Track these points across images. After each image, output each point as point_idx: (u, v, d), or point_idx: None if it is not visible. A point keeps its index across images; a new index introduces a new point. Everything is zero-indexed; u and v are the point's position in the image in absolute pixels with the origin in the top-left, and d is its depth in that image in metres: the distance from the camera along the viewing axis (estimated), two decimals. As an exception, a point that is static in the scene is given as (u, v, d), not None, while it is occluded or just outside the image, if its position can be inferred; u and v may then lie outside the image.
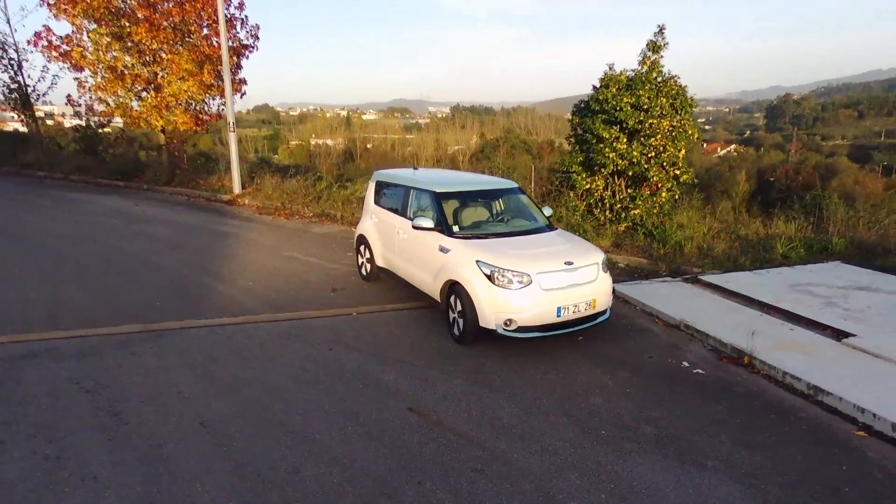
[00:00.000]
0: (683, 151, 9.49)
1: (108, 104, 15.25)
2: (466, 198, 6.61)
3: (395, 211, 7.11)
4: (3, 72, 18.37)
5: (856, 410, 4.25)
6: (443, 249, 5.92)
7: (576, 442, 4.00)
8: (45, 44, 14.64)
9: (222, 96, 15.32)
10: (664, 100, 9.16)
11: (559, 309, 5.32)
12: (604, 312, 5.77)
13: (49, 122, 26.64)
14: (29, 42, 15.06)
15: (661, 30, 9.52)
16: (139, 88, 14.88)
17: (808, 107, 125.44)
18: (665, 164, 9.36)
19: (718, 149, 74.12)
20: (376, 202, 7.67)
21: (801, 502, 3.36)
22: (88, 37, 14.30)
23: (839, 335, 5.57)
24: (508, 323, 5.25)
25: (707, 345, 5.70)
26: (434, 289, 6.07)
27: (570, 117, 11.29)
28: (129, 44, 14.21)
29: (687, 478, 3.58)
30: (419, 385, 4.84)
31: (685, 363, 5.31)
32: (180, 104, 14.93)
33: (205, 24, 14.94)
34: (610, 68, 9.77)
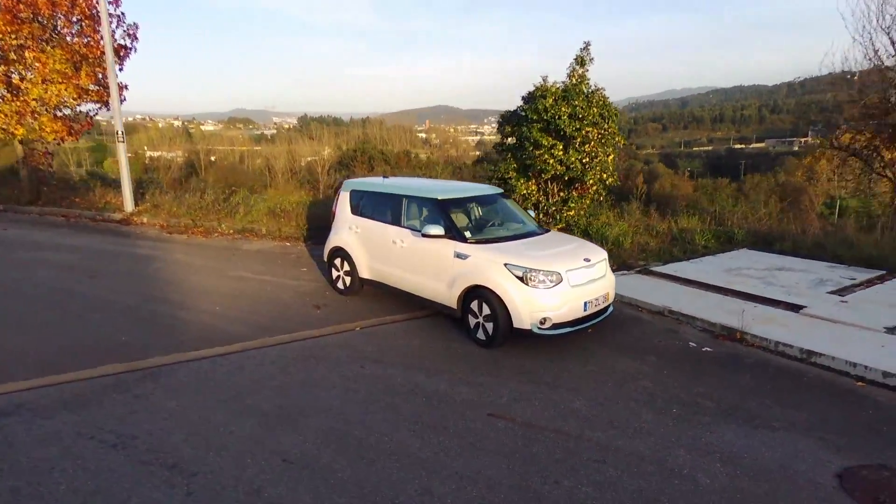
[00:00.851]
0: (612, 157, 10.44)
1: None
2: (465, 204, 6.69)
3: (385, 220, 6.92)
4: None
5: (847, 366, 5.12)
6: (460, 256, 5.93)
7: (659, 422, 4.30)
8: None
9: (100, 101, 13.48)
10: (595, 109, 10.01)
11: (585, 304, 5.64)
12: (611, 305, 6.21)
13: None
14: None
15: (586, 46, 10.38)
16: (-10, 91, 12.53)
17: (623, 120, 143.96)
18: (597, 168, 10.22)
19: None
20: (355, 212, 7.39)
21: (857, 443, 3.99)
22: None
23: (794, 308, 6.60)
24: (544, 321, 5.43)
25: (696, 326, 6.39)
26: (448, 296, 6.05)
27: (499, 126, 11.81)
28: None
29: (769, 439, 4.06)
30: (479, 391, 4.82)
31: (692, 343, 5.93)
32: (47, 110, 12.84)
33: (75, 20, 13.04)
34: (544, 80, 10.42)
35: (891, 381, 4.80)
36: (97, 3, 12.41)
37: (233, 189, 13.49)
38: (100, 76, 13.16)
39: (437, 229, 6.08)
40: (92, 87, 13.08)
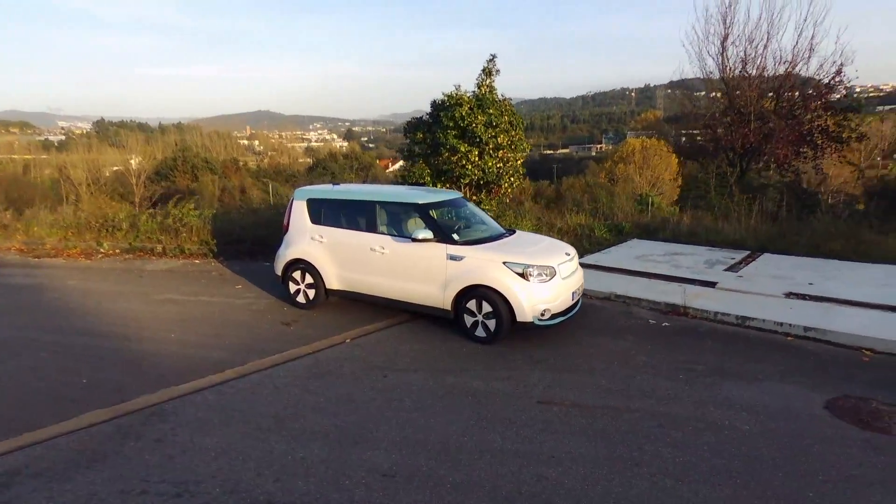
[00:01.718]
0: (520, 161, 11.29)
1: None
2: (441, 208, 6.84)
3: (358, 228, 6.78)
4: None
5: (775, 325, 6.35)
6: (454, 258, 6.10)
7: (676, 389, 4.96)
8: None
9: None
10: (506, 117, 10.77)
11: (573, 294, 6.20)
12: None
13: None
14: None
15: (493, 58, 11.10)
16: None
17: None
18: (510, 172, 10.99)
19: (389, 164, 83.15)
20: (316, 222, 7.09)
21: (821, 383, 5.04)
22: None
23: (710, 284, 7.90)
24: (544, 313, 5.86)
25: (643, 306, 7.33)
26: (442, 298, 6.18)
27: (405, 132, 12.04)
28: None
29: (761, 389, 4.93)
30: (511, 383, 5.07)
31: (651, 321, 6.81)
32: None
33: None
34: (457, 89, 10.91)
35: (811, 333, 6.09)
36: None
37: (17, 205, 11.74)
38: None
39: (427, 233, 6.18)
40: None
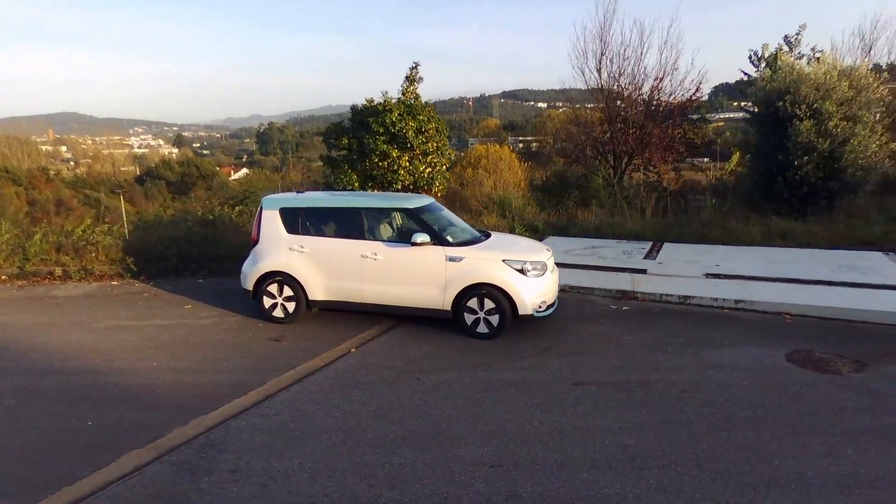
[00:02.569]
0: (445, 167, 11.70)
1: None
2: (428, 212, 6.97)
3: (344, 236, 6.67)
4: None
5: (711, 300, 7.54)
6: (453, 259, 6.32)
7: (672, 360, 5.72)
8: None
9: None
10: (433, 124, 11.12)
11: (559, 287, 6.77)
12: (554, 287, 7.46)
13: None
14: None
15: (416, 66, 11.37)
16: None
17: (289, 134, 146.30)
18: (439, 177, 11.37)
19: (231, 172, 78.51)
20: (294, 231, 6.81)
21: (774, 342, 6.16)
22: None
23: (641, 271, 9.01)
24: (541, 306, 6.34)
25: (597, 294, 8.18)
26: (441, 299, 6.37)
27: (324, 138, 11.83)
28: None
29: (735, 353, 5.87)
30: (540, 372, 5.46)
31: (612, 306, 7.64)
32: None
33: None
34: (384, 95, 11.00)
35: (741, 305, 7.36)
36: None
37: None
38: None
39: (425, 237, 6.32)
40: None
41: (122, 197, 43.57)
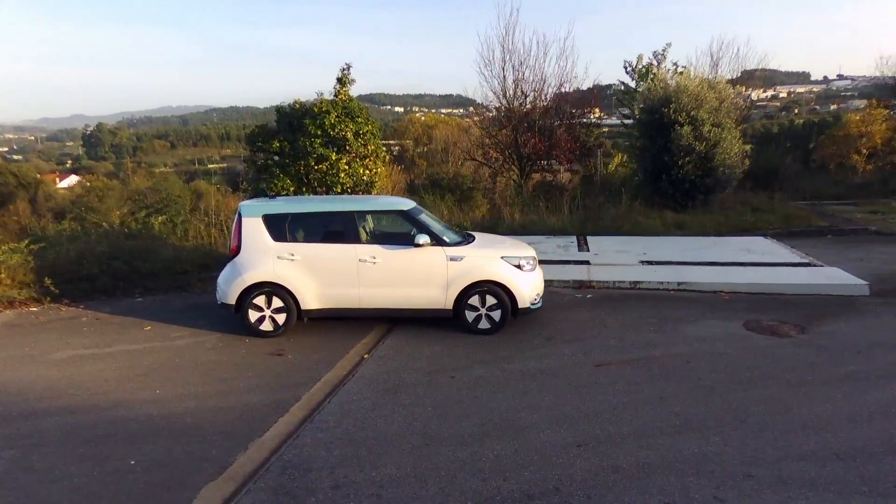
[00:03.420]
0: (381, 169, 11.63)
1: None
2: (418, 213, 6.99)
3: (338, 241, 6.47)
4: None
5: (658, 284, 8.50)
6: (454, 259, 6.47)
7: (661, 337, 6.42)
8: None
9: None
10: (370, 126, 11.02)
11: (545, 281, 7.20)
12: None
13: None
14: None
15: (348, 67, 11.16)
16: None
17: (124, 136, 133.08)
18: (376, 180, 11.29)
19: (58, 179, 69.42)
20: (282, 239, 6.46)
21: (729, 315, 7.15)
22: None
23: (585, 262, 9.81)
24: (536, 298, 6.73)
25: (557, 285, 8.77)
26: (444, 299, 6.48)
27: (249, 141, 11.17)
28: None
29: (703, 326, 6.73)
30: (561, 358, 5.81)
31: (577, 295, 8.27)
32: None
33: None
34: (319, 95, 10.65)
35: (683, 286, 8.39)
36: None
37: None
38: None
39: (426, 238, 6.39)
40: None
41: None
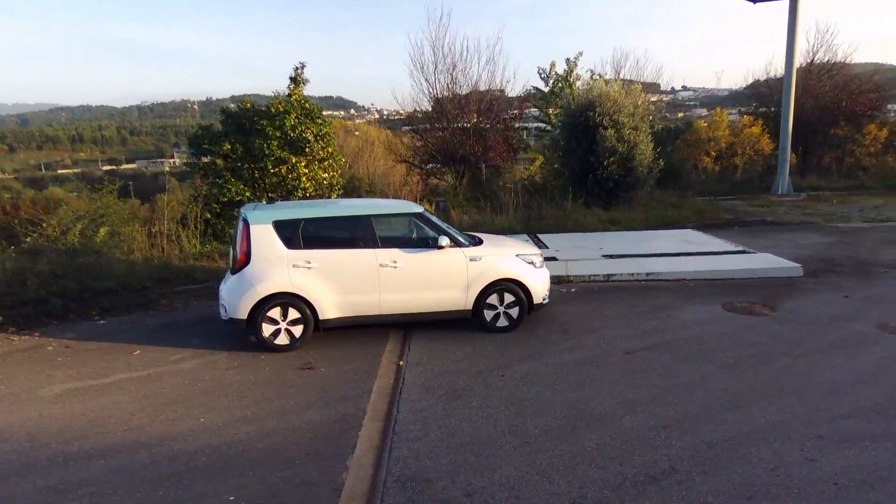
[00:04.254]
0: (339, 172, 11.24)
1: None
2: (430, 215, 6.90)
3: (356, 246, 6.23)
4: None
5: (629, 276, 9.11)
6: (474, 259, 6.50)
7: (662, 324, 6.93)
8: None
9: None
10: (329, 128, 10.63)
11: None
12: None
13: None
14: None
15: (302, 66, 10.64)
16: None
17: None
18: (336, 184, 10.91)
19: None
20: (296, 246, 6.07)
21: (704, 299, 7.88)
22: None
23: (554, 258, 10.23)
24: (546, 294, 6.96)
25: (583, 280, 9.06)
26: (464, 299, 6.50)
27: (192, 143, 10.29)
28: None
29: (694, 311, 7.34)
30: (587, 350, 6.09)
31: (563, 290, 8.62)
32: None
33: None
34: (276, 95, 10.05)
35: (652, 276, 9.08)
36: None
37: None
38: None
39: (446, 240, 6.36)
40: None
41: None
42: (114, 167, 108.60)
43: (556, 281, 8.97)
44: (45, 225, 8.44)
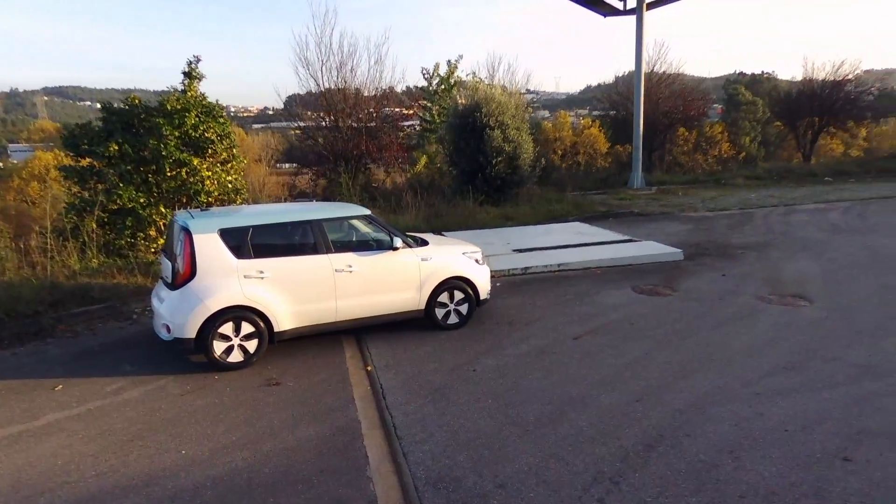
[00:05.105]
0: (242, 174, 10.50)
1: None
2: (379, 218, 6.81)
3: (310, 252, 5.98)
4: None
5: (543, 268, 9.76)
6: (425, 259, 6.59)
7: (591, 308, 7.58)
8: None
9: None
10: (230, 127, 9.90)
11: (484, 272, 7.76)
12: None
13: None
14: None
15: (197, 60, 9.74)
16: None
17: None
18: (242, 187, 10.20)
19: None
20: (245, 255, 5.66)
21: (611, 284, 8.72)
22: None
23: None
24: (489, 290, 7.27)
25: (503, 274, 9.36)
26: (417, 299, 6.58)
27: (68, 143, 9.00)
28: None
29: (611, 295, 8.14)
30: (538, 339, 6.48)
31: (524, 281, 8.99)
32: None
33: None
34: (172, 90, 9.10)
35: (562, 267, 9.81)
36: None
37: None
38: None
39: (400, 241, 6.38)
40: None
41: None
42: None
43: (513, 273, 9.40)
44: None
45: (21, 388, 5.24)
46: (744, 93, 33.87)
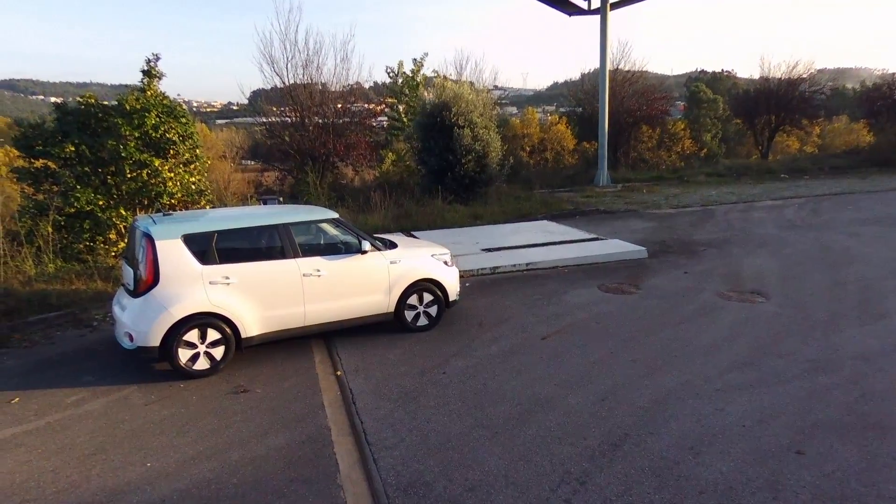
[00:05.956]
0: (206, 175, 10.28)
1: None
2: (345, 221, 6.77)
3: (277, 257, 5.92)
4: None
5: (511, 267, 9.86)
6: (394, 262, 6.60)
7: (558, 308, 7.71)
8: None
9: None
10: (194, 127, 9.68)
11: (452, 273, 7.81)
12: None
13: None
14: None
15: (157, 58, 9.48)
16: None
17: None
18: (207, 189, 9.99)
19: None
20: (210, 261, 5.57)
21: (579, 283, 8.89)
22: None
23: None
24: (458, 291, 7.32)
25: (472, 274, 9.40)
26: (387, 302, 6.59)
27: (20, 145, 8.66)
28: None
29: (579, 294, 8.29)
30: (509, 340, 6.58)
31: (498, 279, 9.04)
32: None
33: None
34: (134, 90, 8.83)
35: (531, 266, 9.93)
36: None
37: None
38: None
39: (368, 244, 6.37)
40: None
41: None
42: None
43: (482, 273, 9.44)
44: None
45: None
46: (705, 90, 34.74)
